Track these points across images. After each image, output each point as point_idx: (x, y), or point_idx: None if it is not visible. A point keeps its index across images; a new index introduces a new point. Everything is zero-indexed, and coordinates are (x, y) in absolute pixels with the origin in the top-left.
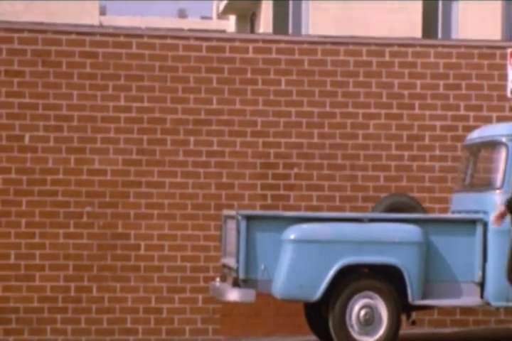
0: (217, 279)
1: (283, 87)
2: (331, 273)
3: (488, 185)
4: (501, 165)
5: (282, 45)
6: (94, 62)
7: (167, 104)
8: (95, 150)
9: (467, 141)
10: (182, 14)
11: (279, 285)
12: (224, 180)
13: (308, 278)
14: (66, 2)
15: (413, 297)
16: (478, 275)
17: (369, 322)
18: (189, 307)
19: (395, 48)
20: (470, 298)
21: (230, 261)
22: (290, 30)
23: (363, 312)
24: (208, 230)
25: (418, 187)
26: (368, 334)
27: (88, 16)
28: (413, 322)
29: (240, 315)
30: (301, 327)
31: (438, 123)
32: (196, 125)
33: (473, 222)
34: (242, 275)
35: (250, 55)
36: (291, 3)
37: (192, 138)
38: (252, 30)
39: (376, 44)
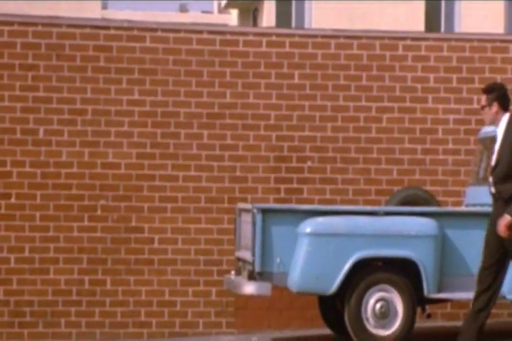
0: (232, 272)
1: (296, 80)
2: (347, 266)
3: None
4: None
5: (296, 39)
6: (108, 56)
7: (181, 98)
8: (109, 144)
9: (481, 135)
10: (183, 9)
11: (295, 279)
12: (237, 173)
13: (324, 271)
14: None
15: (428, 290)
16: None
17: (384, 316)
18: (203, 300)
19: (408, 42)
20: None
21: (245, 255)
22: (293, 25)
23: (378, 306)
24: (222, 223)
25: (431, 180)
26: (383, 327)
27: (90, 12)
28: (428, 316)
29: (254, 309)
30: (315, 321)
31: (451, 117)
32: (210, 119)
33: (487, 216)
34: (257, 269)
35: (264, 48)
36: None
37: (205, 132)
38: (255, 25)
39: (389, 38)
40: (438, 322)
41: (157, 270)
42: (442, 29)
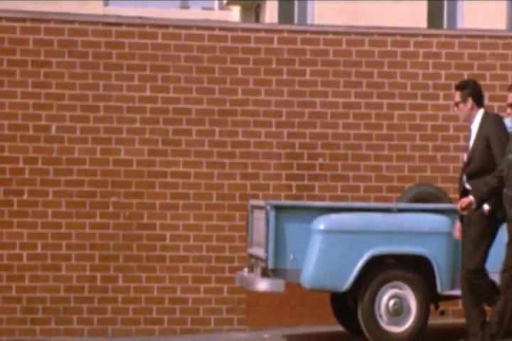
0: (245, 269)
1: (308, 77)
2: (361, 263)
3: None
4: None
5: (307, 36)
6: (120, 53)
7: (192, 95)
8: (121, 141)
9: None
10: (184, 5)
11: (308, 275)
12: (249, 170)
13: (338, 268)
14: None
15: (442, 287)
16: None
17: (398, 313)
18: (214, 297)
19: (420, 39)
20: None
21: (258, 251)
22: (296, 21)
23: (391, 303)
24: (233, 220)
25: (442, 177)
26: (396, 324)
27: (91, 8)
28: (442, 312)
29: (265, 306)
30: (326, 318)
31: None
32: (221, 115)
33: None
34: (271, 265)
35: (275, 45)
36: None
37: (217, 129)
38: (257, 22)
39: (401, 34)
40: (449, 319)
41: (169, 267)
42: (445, 26)
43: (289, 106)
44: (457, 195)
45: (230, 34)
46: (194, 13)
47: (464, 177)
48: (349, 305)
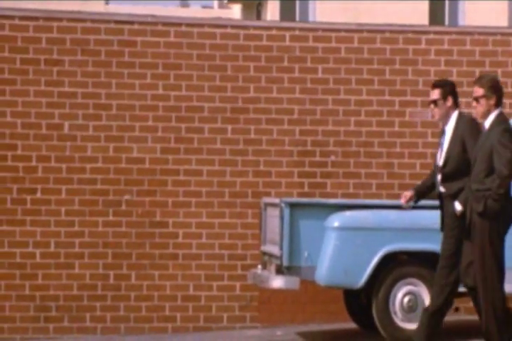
0: (259, 266)
1: (320, 75)
2: (375, 260)
3: None
4: None
5: (319, 33)
6: (132, 51)
7: (205, 93)
8: (134, 139)
9: None
10: (184, 4)
11: (323, 273)
12: (261, 167)
13: (352, 265)
14: None
15: None
16: None
17: (412, 309)
18: (227, 294)
19: (431, 36)
20: None
21: (272, 249)
22: (297, 19)
23: (406, 299)
24: (246, 218)
25: None
26: (411, 321)
27: (92, 6)
28: (456, 309)
29: (278, 303)
30: (339, 315)
31: (474, 111)
32: (233, 113)
33: None
34: (285, 263)
35: (287, 43)
36: None
37: (229, 127)
38: (259, 20)
39: (413, 32)
40: (460, 316)
41: (181, 264)
42: (446, 24)
43: (301, 103)
44: None
45: (242, 32)
46: (193, 12)
47: (439, 180)
48: (362, 302)
